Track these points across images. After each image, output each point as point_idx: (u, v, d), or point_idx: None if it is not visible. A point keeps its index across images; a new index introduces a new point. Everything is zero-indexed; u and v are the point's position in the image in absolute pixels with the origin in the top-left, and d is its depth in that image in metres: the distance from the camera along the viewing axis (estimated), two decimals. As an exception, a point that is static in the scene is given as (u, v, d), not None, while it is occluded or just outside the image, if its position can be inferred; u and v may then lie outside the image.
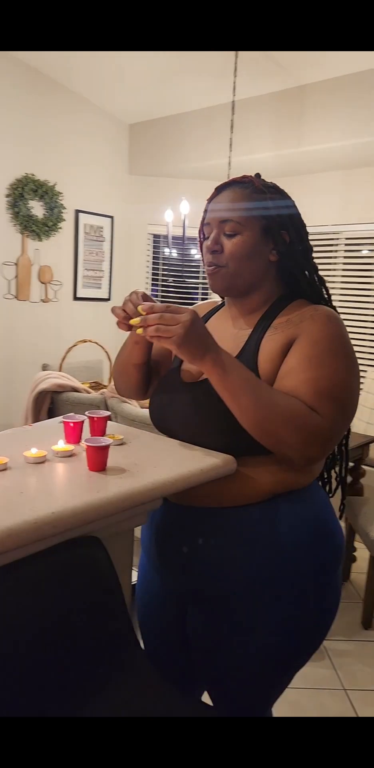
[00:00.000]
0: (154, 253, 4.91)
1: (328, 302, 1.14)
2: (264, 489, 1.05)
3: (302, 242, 1.12)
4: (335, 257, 4.15)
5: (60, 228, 4.22)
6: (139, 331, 0.96)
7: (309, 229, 1.14)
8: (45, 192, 4.05)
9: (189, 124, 4.26)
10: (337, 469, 1.24)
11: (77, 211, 4.35)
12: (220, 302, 1.28)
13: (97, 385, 3.41)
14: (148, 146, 4.58)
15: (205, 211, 1.15)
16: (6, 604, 0.84)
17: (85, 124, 4.29)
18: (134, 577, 1.30)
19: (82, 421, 1.12)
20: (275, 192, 1.11)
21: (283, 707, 1.73)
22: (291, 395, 0.98)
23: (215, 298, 1.33)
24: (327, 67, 3.31)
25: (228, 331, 1.15)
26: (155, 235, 4.85)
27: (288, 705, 1.98)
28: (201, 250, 1.16)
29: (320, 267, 1.16)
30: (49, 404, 2.89)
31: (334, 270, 4.14)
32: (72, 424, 1.10)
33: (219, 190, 1.13)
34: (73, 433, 1.10)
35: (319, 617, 1.09)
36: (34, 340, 4.16)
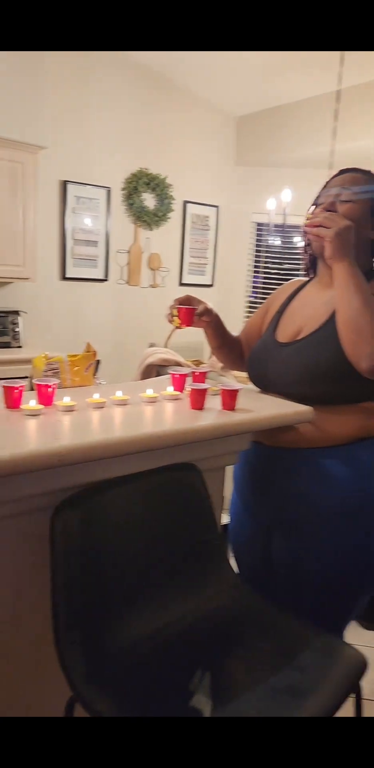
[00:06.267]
0: (257, 241, 5.07)
1: None
2: (349, 433, 1.23)
3: None
4: None
5: (169, 218, 4.53)
6: (175, 322, 1.36)
7: None
8: (156, 185, 4.37)
9: (294, 114, 4.37)
10: None
11: (185, 202, 4.63)
12: (306, 280, 1.46)
13: (198, 362, 3.68)
14: (253, 137, 4.74)
15: (324, 186, 1.34)
16: (128, 503, 1.10)
17: (194, 118, 4.56)
18: (224, 519, 1.52)
19: (186, 374, 1.36)
20: None
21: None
22: None
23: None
24: None
25: (321, 298, 1.32)
26: (259, 224, 5.01)
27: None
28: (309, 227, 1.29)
29: None
30: (155, 377, 3.20)
31: None
32: (178, 376, 1.35)
33: (342, 171, 1.33)
34: (179, 383, 1.34)
35: None
36: (142, 322, 4.51)
